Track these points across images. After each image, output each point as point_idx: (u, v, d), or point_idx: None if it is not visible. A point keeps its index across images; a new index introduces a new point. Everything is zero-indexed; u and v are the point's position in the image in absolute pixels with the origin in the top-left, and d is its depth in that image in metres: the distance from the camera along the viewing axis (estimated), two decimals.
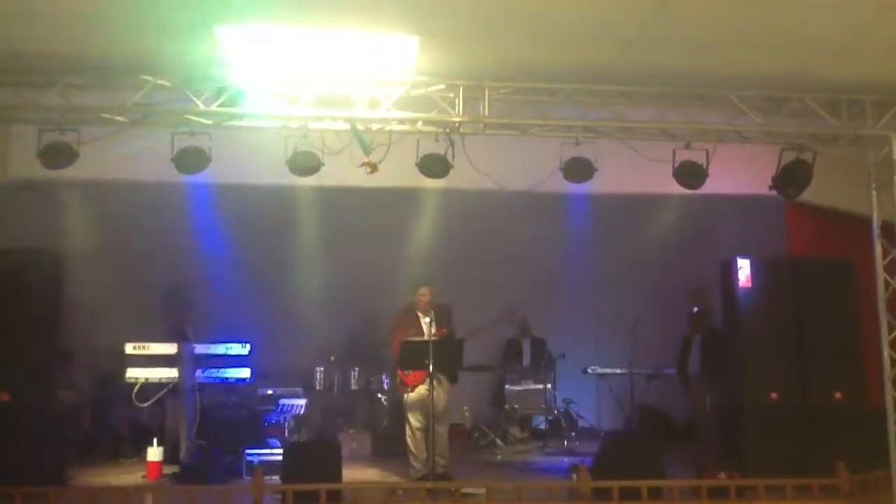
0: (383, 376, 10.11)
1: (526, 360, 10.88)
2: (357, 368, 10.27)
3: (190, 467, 7.93)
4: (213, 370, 8.79)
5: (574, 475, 7.00)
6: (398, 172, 6.95)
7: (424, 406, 7.77)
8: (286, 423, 9.06)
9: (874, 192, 7.23)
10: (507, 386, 10.33)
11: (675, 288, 10.52)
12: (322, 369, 10.24)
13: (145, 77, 6.41)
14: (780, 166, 7.32)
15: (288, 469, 7.03)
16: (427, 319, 7.81)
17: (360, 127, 6.77)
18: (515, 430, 10.56)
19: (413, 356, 7.72)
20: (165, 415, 8.99)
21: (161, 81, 6.44)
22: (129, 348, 8.65)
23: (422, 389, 7.81)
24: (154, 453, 7.96)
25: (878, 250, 7.22)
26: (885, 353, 7.10)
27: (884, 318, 7.14)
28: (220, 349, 8.89)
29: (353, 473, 7.82)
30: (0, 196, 7.91)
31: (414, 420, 7.93)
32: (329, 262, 10.17)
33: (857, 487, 7.05)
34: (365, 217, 9.25)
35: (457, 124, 6.84)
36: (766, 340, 7.90)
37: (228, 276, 9.89)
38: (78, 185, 8.04)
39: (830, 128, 7.04)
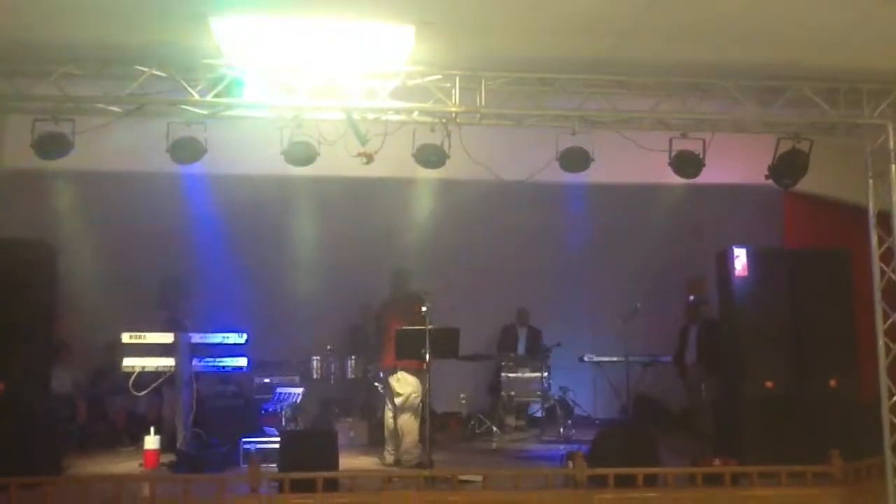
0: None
1: (521, 349, 10.91)
2: (354, 357, 10.28)
3: (187, 456, 7.94)
4: (210, 359, 8.78)
5: (570, 463, 7.04)
6: (394, 163, 6.95)
7: (390, 394, 8.26)
8: (283, 412, 9.08)
9: (870, 182, 7.24)
10: (503, 374, 10.36)
11: (672, 277, 10.57)
12: (319, 358, 10.24)
13: (141, 67, 6.39)
14: (776, 156, 7.33)
15: (285, 457, 7.05)
16: None
17: (356, 117, 6.76)
18: (511, 418, 10.60)
19: (409, 344, 7.78)
20: (162, 404, 9.02)
21: (157, 72, 6.42)
22: (126, 338, 8.64)
23: (389, 377, 8.25)
24: (151, 442, 7.96)
25: (874, 239, 7.24)
26: (880, 342, 7.14)
27: (879, 308, 7.17)
28: (216, 338, 8.89)
29: (349, 462, 7.85)
30: None
31: (387, 407, 8.36)
32: (325, 252, 10.17)
33: (850, 475, 7.09)
34: (361, 207, 9.24)
35: (453, 114, 6.83)
36: (762, 329, 7.91)
37: (225, 265, 9.89)
38: (73, 176, 8.02)
39: (827, 117, 7.04)
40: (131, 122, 6.79)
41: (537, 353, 10.63)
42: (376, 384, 10.09)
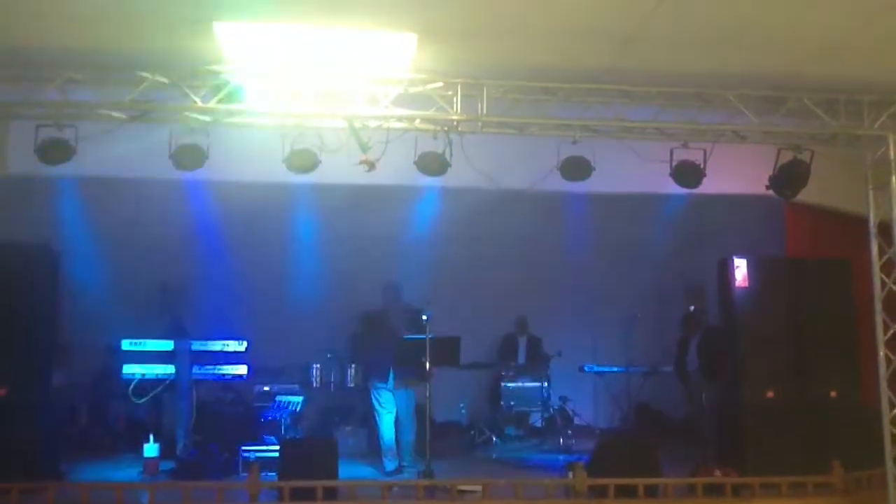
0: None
1: (521, 359, 10.88)
2: (353, 365, 10.26)
3: (186, 463, 7.94)
4: (210, 367, 8.79)
5: (570, 473, 7.03)
6: (396, 170, 6.95)
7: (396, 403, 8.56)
8: (283, 420, 9.05)
9: (871, 192, 7.26)
10: (503, 383, 10.34)
11: (673, 287, 10.55)
12: (319, 366, 10.22)
13: (143, 73, 6.41)
14: (777, 166, 7.34)
15: (284, 466, 7.05)
16: None
17: (357, 125, 6.78)
18: (512, 427, 10.58)
19: (410, 354, 7.83)
20: (162, 411, 8.99)
21: (159, 78, 6.44)
22: (126, 344, 8.65)
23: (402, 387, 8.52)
24: (151, 449, 7.97)
25: (875, 250, 7.26)
26: (881, 352, 7.14)
27: (879, 318, 7.17)
28: (216, 346, 8.90)
29: (349, 470, 7.84)
30: None
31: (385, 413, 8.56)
32: (325, 260, 10.17)
33: (851, 485, 7.09)
34: (362, 215, 9.25)
35: (455, 122, 6.84)
36: (763, 339, 7.92)
37: (225, 272, 9.87)
38: (75, 182, 8.02)
39: (828, 127, 7.07)
40: (134, 129, 6.80)
41: (537, 362, 10.62)
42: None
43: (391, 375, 8.47)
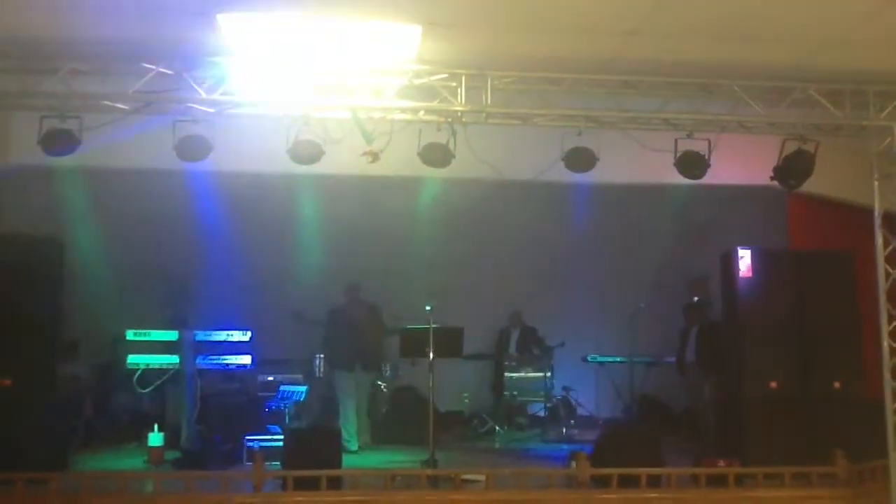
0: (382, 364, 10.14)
1: (512, 349, 10.89)
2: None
3: (191, 453, 7.97)
4: (214, 357, 8.82)
5: (573, 462, 7.05)
6: (400, 162, 6.94)
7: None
8: (286, 410, 9.10)
9: (876, 183, 7.24)
10: (506, 374, 10.35)
11: (676, 277, 10.55)
12: (322, 356, 10.25)
13: (147, 65, 6.40)
14: (781, 157, 7.32)
15: (288, 455, 7.07)
16: None
17: (361, 116, 6.77)
18: (514, 417, 10.60)
19: (413, 344, 7.84)
20: (166, 401, 9.03)
21: (163, 69, 6.44)
22: (131, 335, 8.67)
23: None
24: (155, 439, 8.00)
25: (879, 241, 7.24)
26: (885, 343, 7.13)
27: (884, 309, 7.17)
28: (220, 336, 8.93)
29: (352, 460, 7.86)
30: (1, 182, 7.90)
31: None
32: (329, 250, 10.17)
33: (854, 476, 7.10)
34: (366, 206, 9.25)
35: (459, 113, 6.83)
36: (767, 330, 7.91)
37: (229, 263, 9.89)
38: (79, 172, 8.02)
39: (833, 118, 7.04)
40: (138, 120, 6.79)
41: (535, 351, 10.62)
42: (379, 383, 10.12)
43: (356, 365, 9.03)
